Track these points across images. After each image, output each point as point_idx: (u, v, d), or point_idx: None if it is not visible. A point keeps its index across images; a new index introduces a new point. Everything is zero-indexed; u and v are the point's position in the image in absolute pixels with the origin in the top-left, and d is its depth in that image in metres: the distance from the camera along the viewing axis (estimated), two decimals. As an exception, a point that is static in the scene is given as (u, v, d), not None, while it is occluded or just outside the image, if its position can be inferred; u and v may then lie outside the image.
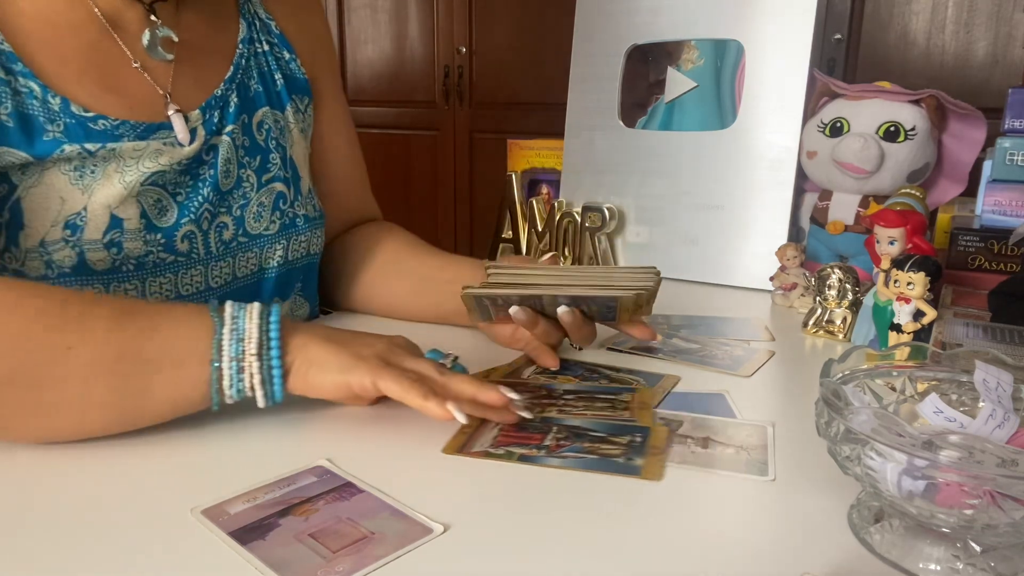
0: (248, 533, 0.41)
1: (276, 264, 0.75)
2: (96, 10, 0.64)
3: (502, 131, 2.29)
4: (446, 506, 0.44)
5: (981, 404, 0.42)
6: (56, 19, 0.62)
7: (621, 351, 0.71)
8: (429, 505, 0.44)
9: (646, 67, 1.08)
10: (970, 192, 0.94)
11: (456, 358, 0.61)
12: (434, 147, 3.02)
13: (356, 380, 0.52)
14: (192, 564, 0.39)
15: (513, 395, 0.53)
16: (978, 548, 0.38)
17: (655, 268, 0.67)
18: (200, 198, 0.67)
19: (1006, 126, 0.90)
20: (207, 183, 0.68)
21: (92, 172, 0.61)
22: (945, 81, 2.06)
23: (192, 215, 0.67)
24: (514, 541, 0.41)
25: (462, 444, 0.52)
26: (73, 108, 0.60)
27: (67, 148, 0.60)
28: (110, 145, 0.62)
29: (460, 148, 2.98)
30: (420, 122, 3.01)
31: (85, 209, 0.61)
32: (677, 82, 1.04)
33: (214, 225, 0.69)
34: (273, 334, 0.52)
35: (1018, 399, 0.44)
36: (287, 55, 0.78)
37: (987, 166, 0.93)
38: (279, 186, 0.74)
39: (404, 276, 0.81)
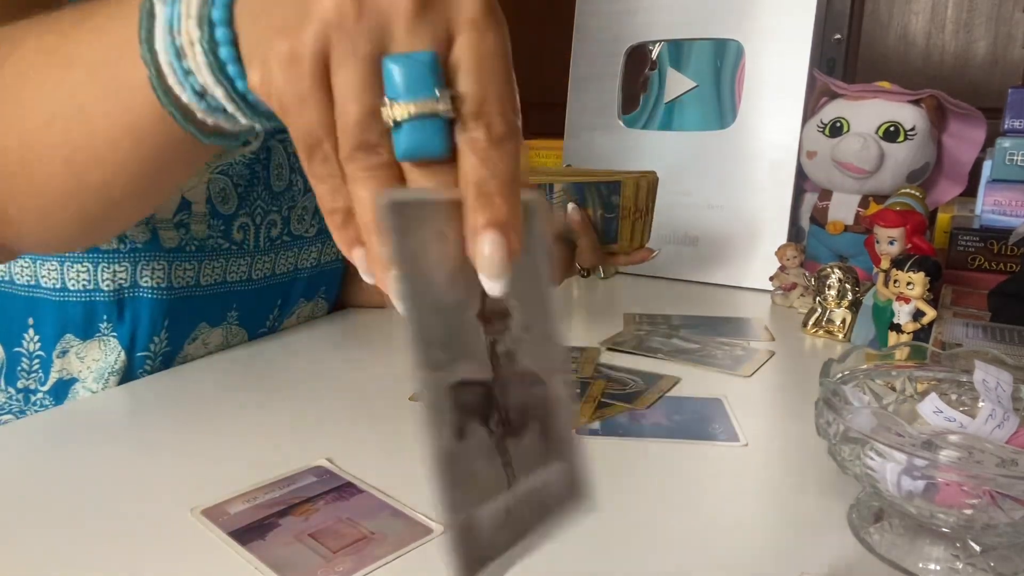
0: (248, 533, 0.41)
1: (309, 266, 0.77)
2: None
3: (502, 131, 2.28)
4: (446, 506, 0.44)
5: (981, 404, 0.42)
6: None
7: (621, 351, 0.71)
8: (429, 505, 0.44)
9: (647, 67, 1.08)
10: (970, 192, 0.94)
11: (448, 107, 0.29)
12: (434, 147, 3.02)
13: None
14: (192, 564, 0.39)
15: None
16: (978, 548, 0.38)
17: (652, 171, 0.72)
18: (255, 194, 0.69)
19: (1006, 126, 0.90)
20: (261, 181, 0.70)
21: None
22: (945, 81, 2.06)
23: (248, 208, 0.69)
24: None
25: None
26: None
27: None
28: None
29: (460, 148, 2.98)
30: (420, 122, 3.01)
31: None
32: (677, 82, 1.04)
33: (265, 221, 0.71)
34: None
35: (1018, 399, 0.44)
36: None
37: (987, 166, 0.93)
38: None
39: None
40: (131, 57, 0.35)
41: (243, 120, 0.36)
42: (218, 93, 0.34)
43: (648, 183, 0.70)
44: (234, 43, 0.32)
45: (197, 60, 0.33)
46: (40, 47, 0.40)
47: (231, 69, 0.33)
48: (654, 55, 1.06)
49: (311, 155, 0.29)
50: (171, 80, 0.35)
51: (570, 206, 0.69)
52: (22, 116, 0.41)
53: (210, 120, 0.36)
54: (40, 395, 0.63)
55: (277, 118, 0.31)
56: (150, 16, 0.34)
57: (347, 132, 0.28)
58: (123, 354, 0.62)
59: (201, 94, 0.35)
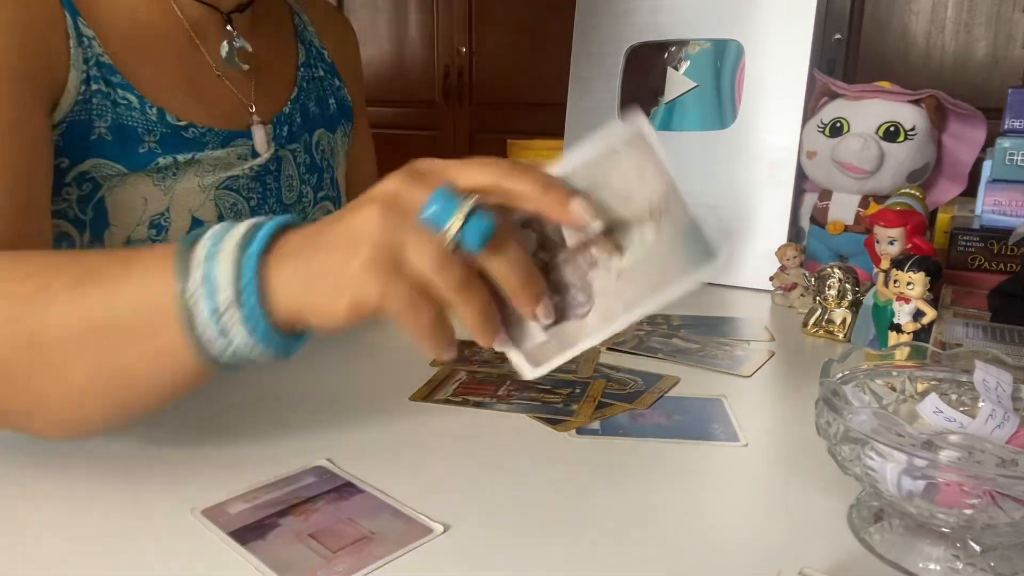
0: (248, 533, 0.41)
1: None
2: (183, 19, 0.65)
3: (502, 131, 2.29)
4: (446, 506, 0.44)
5: (981, 404, 0.42)
6: (147, 28, 0.63)
7: (621, 351, 0.71)
8: (429, 505, 0.44)
9: (649, 64, 1.08)
10: (970, 192, 0.94)
11: (469, 203, 0.38)
12: (434, 147, 3.02)
13: (354, 308, 0.38)
14: (192, 564, 0.39)
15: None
16: (978, 548, 0.38)
17: None
18: (266, 207, 0.70)
19: (1006, 126, 0.90)
20: (273, 194, 0.70)
21: (174, 175, 0.63)
22: (945, 81, 2.06)
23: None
24: (514, 541, 0.41)
25: (427, 393, 0.59)
26: (168, 117, 0.62)
27: (161, 161, 0.61)
28: (198, 155, 0.64)
29: (460, 148, 2.98)
30: (420, 122, 3.01)
31: (168, 210, 0.63)
32: (677, 82, 1.04)
33: None
34: (248, 272, 0.39)
35: (1018, 399, 0.44)
36: (337, 82, 0.82)
37: (987, 166, 0.93)
38: (329, 205, 0.78)
39: None
40: (174, 329, 0.40)
41: (255, 354, 0.41)
42: (255, 351, 0.40)
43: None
44: (264, 304, 0.39)
45: (234, 329, 0.39)
46: (78, 313, 0.41)
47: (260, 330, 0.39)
48: (681, 56, 1.06)
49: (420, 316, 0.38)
50: (212, 348, 0.40)
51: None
52: (64, 365, 0.42)
53: (209, 337, 0.40)
54: None
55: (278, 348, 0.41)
56: (185, 303, 0.39)
57: (441, 278, 0.37)
58: None
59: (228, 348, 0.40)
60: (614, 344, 0.72)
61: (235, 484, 0.46)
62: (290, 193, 0.72)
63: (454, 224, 0.37)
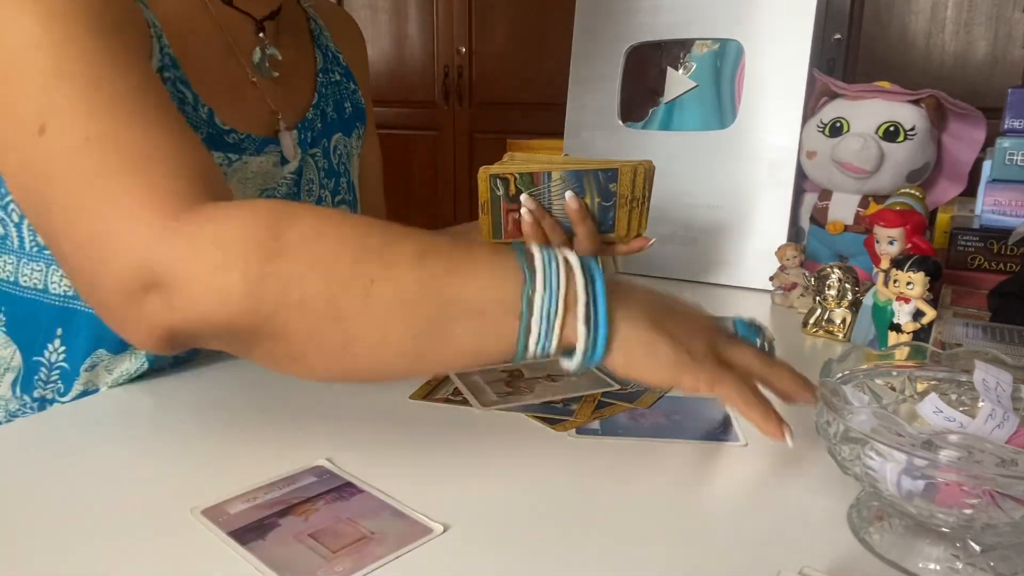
0: (248, 533, 0.41)
1: None
2: (220, 23, 0.65)
3: (502, 131, 2.29)
4: (446, 506, 0.44)
5: (981, 404, 0.42)
6: (194, 29, 0.63)
7: (621, 351, 0.71)
8: (429, 505, 0.44)
9: (649, 64, 1.08)
10: (970, 192, 0.94)
11: (769, 341, 0.55)
12: (434, 147, 3.02)
13: (689, 381, 0.47)
14: (192, 564, 0.39)
15: (789, 440, 0.48)
16: (978, 548, 0.38)
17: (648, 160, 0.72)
18: None
19: (1006, 126, 0.90)
20: (292, 199, 0.71)
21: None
22: (945, 81, 2.06)
23: None
24: (514, 541, 0.41)
25: (427, 393, 0.60)
26: (216, 120, 0.62)
27: (215, 155, 0.62)
28: (244, 157, 0.65)
29: (460, 148, 2.98)
30: (420, 122, 3.01)
31: None
32: (677, 82, 1.04)
33: None
34: (600, 299, 0.46)
35: (1018, 399, 0.44)
36: (352, 86, 0.82)
37: (987, 166, 0.93)
38: (346, 208, 0.79)
39: None
40: (507, 320, 0.45)
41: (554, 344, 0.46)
42: (576, 358, 0.46)
43: (645, 171, 0.70)
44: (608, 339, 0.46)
45: (577, 350, 0.45)
46: (420, 278, 0.45)
47: (599, 352, 0.46)
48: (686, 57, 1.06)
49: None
50: (531, 344, 0.45)
51: (568, 194, 0.69)
52: (385, 326, 0.45)
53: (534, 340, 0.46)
54: (58, 406, 0.62)
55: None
56: (529, 304, 0.45)
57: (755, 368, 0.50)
58: (146, 364, 0.62)
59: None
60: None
61: (235, 484, 0.46)
62: (309, 198, 0.73)
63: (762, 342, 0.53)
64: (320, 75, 0.77)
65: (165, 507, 0.44)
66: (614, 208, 0.70)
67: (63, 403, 0.62)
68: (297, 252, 0.44)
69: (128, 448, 0.51)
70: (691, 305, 0.52)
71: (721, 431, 0.55)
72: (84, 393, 0.62)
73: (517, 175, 0.70)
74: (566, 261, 0.46)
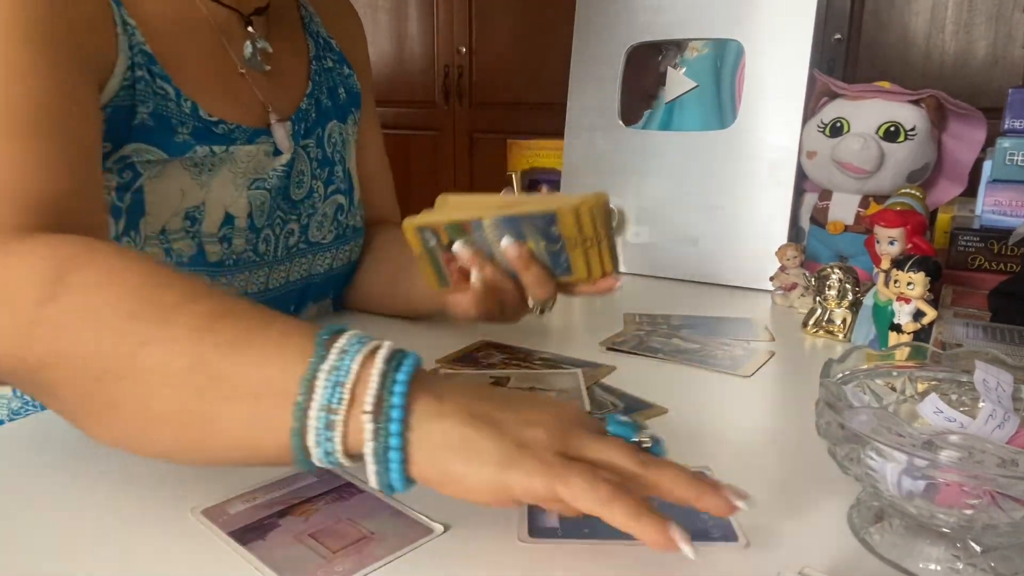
0: (248, 533, 0.41)
1: (323, 271, 0.77)
2: (209, 19, 0.66)
3: (502, 131, 2.28)
4: (446, 506, 0.44)
5: (981, 404, 0.42)
6: (182, 24, 0.64)
7: (621, 351, 0.71)
8: (429, 505, 0.44)
9: (648, 65, 1.08)
10: (970, 192, 0.94)
11: (652, 436, 0.41)
12: (434, 147, 3.02)
13: (521, 482, 0.36)
14: (192, 564, 0.39)
15: (741, 503, 0.38)
16: (978, 548, 0.38)
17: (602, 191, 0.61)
18: (275, 204, 0.70)
19: (1006, 126, 0.90)
20: (280, 191, 0.70)
21: (210, 170, 0.64)
22: (945, 81, 2.06)
23: (270, 219, 0.70)
24: (514, 541, 0.41)
25: None
26: (201, 112, 0.63)
27: (199, 149, 0.62)
28: (231, 148, 0.65)
29: (460, 148, 2.98)
30: (420, 122, 3.01)
31: (203, 203, 0.63)
32: (677, 82, 1.04)
33: (284, 231, 0.72)
34: (398, 387, 0.37)
35: (1018, 399, 0.44)
36: (346, 70, 0.82)
37: (987, 166, 0.93)
38: (340, 198, 0.78)
39: (381, 270, 0.81)
40: (282, 407, 0.37)
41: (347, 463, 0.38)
42: (369, 472, 0.37)
43: (590, 208, 0.58)
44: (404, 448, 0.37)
45: (365, 451, 0.37)
46: (198, 346, 0.39)
47: (394, 468, 0.37)
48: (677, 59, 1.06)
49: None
50: (310, 442, 0.37)
51: (504, 240, 0.60)
52: (148, 396, 0.40)
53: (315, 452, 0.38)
54: None
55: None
56: (308, 389, 0.37)
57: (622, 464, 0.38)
58: None
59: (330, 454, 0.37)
60: (614, 344, 0.72)
61: (235, 484, 0.46)
62: (299, 190, 0.72)
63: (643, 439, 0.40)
64: (313, 63, 0.77)
65: (165, 507, 0.44)
66: (563, 251, 0.60)
67: None
68: (74, 299, 0.40)
69: (128, 448, 0.51)
70: (547, 399, 0.41)
71: (713, 526, 0.43)
72: None
73: (445, 226, 0.61)
74: (375, 347, 0.38)
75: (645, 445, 0.40)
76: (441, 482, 0.37)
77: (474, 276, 0.62)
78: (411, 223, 0.62)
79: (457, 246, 0.61)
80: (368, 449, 0.36)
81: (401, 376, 0.37)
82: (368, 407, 0.36)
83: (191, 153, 0.61)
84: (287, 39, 0.75)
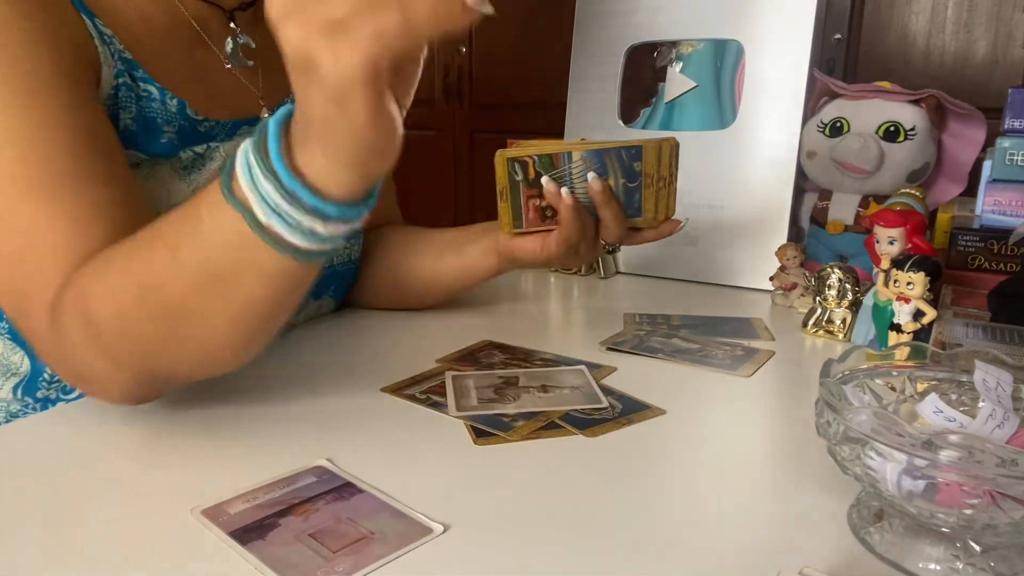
0: (248, 533, 0.41)
1: (323, 267, 0.76)
2: (188, 17, 0.66)
3: (502, 131, 2.29)
4: (446, 506, 0.44)
5: (981, 404, 0.42)
6: (158, 26, 0.63)
7: (621, 351, 0.71)
8: (429, 505, 0.44)
9: (647, 64, 1.08)
10: (970, 192, 0.94)
11: None
12: (434, 147, 3.02)
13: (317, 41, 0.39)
14: (192, 564, 0.39)
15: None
16: (978, 548, 0.38)
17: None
18: None
19: (1006, 126, 0.90)
20: None
21: (199, 169, 0.64)
22: (945, 81, 2.06)
23: None
24: (514, 541, 0.41)
25: (398, 387, 0.61)
26: (188, 111, 0.63)
27: (183, 155, 0.62)
28: (214, 144, 0.65)
29: (460, 148, 2.98)
30: (420, 122, 3.01)
31: None
32: (677, 82, 1.04)
33: None
34: (285, 178, 0.42)
35: (1018, 399, 0.44)
36: None
37: (987, 166, 0.93)
38: None
39: (423, 251, 0.81)
40: (236, 218, 0.43)
41: (321, 229, 0.43)
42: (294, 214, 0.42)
43: (670, 147, 0.66)
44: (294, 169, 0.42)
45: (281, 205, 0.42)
46: (184, 274, 0.46)
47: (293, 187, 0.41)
48: (672, 57, 1.06)
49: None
50: (255, 207, 0.42)
51: (591, 175, 0.65)
52: (202, 317, 0.47)
53: (301, 244, 0.43)
54: (63, 404, 0.62)
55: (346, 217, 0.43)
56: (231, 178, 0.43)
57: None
58: None
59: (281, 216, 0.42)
60: (614, 344, 0.72)
61: (235, 484, 0.46)
62: None
63: None
64: None
65: (165, 507, 0.44)
66: (640, 189, 0.66)
67: (68, 401, 0.62)
68: (108, 324, 0.48)
69: (128, 448, 0.51)
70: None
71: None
72: None
73: (536, 157, 0.66)
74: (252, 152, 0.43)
75: None
76: (317, 116, 0.40)
77: (564, 203, 0.65)
78: (503, 154, 0.67)
79: (545, 180, 0.66)
80: (319, 225, 0.42)
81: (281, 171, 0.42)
82: (255, 144, 0.42)
83: (176, 158, 0.62)
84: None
